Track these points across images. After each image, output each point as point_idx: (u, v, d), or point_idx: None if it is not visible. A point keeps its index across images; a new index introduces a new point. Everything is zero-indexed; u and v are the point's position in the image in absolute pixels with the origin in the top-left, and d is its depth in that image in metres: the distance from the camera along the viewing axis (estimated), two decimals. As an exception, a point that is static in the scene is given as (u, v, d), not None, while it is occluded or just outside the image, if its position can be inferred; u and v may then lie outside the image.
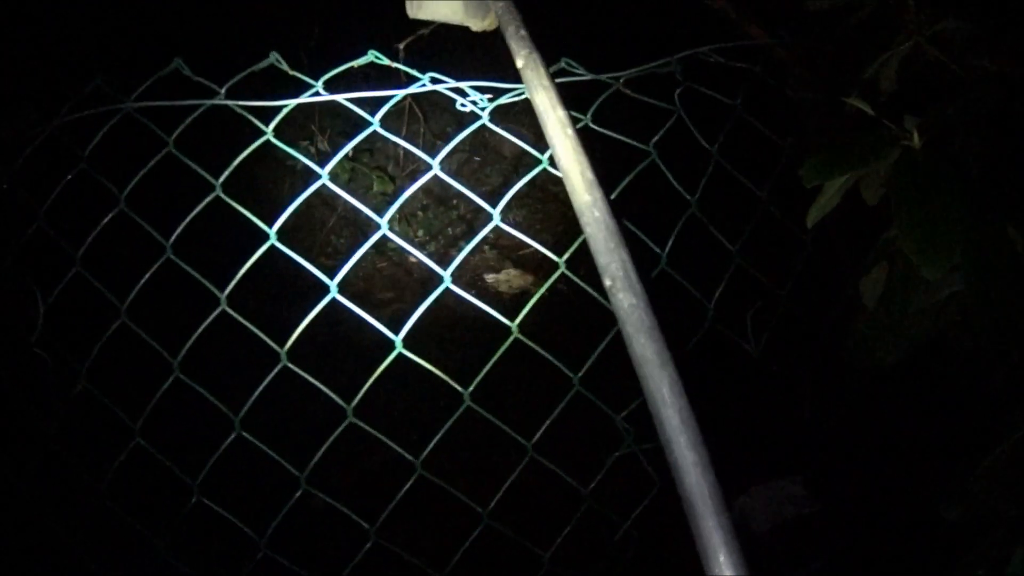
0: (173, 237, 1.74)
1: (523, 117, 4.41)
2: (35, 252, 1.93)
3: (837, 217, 1.91)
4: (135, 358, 1.90)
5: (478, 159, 5.45)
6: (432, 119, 5.15)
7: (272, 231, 1.67)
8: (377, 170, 5.27)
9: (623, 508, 1.78)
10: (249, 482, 2.09)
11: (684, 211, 1.95)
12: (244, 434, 1.70)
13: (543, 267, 4.81)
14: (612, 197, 1.54)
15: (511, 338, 1.65)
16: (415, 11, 1.89)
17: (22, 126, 1.98)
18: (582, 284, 1.73)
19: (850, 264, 2.05)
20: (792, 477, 1.94)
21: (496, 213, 1.70)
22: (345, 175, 5.06)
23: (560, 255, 1.74)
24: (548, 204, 5.24)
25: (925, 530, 1.74)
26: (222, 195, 1.72)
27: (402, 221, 5.11)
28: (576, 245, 1.64)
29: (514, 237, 4.80)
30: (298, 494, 1.67)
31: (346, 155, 5.19)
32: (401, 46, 3.74)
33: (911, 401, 1.97)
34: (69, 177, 1.92)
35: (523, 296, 4.63)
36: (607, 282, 1.42)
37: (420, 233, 5.08)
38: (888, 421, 2.02)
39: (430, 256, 4.72)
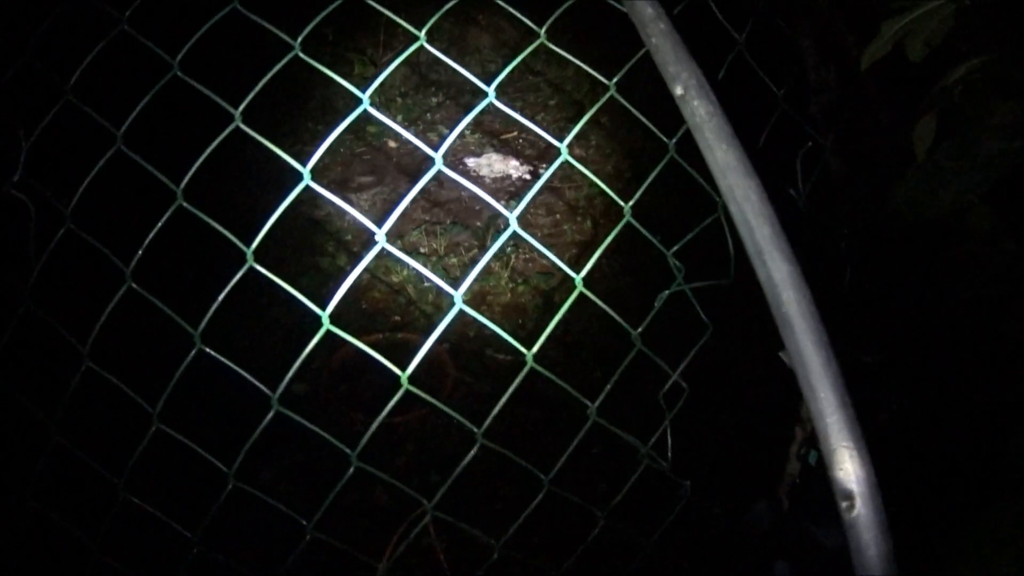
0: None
1: None
2: (18, 86, 1.74)
3: (886, 66, 1.88)
4: (128, 194, 1.73)
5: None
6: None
7: (237, 112, 1.48)
8: (356, 52, 5.10)
9: (673, 357, 1.66)
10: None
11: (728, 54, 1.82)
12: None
13: (524, 152, 4.69)
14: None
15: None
16: None
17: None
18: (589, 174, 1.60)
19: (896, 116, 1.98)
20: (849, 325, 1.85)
21: (491, 91, 1.53)
22: (326, 58, 4.88)
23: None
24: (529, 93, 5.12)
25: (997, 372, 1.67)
26: (180, 74, 1.51)
27: (382, 106, 4.94)
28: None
29: (495, 124, 4.65)
30: (271, 415, 1.51)
31: (327, 39, 5.00)
32: None
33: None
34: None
35: (505, 180, 4.49)
36: (678, 91, 1.30)
37: (399, 117, 4.90)
38: (931, 278, 1.94)
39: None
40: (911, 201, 1.74)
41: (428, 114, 4.95)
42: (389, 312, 3.58)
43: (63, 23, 1.77)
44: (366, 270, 1.45)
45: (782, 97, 1.89)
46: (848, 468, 1.10)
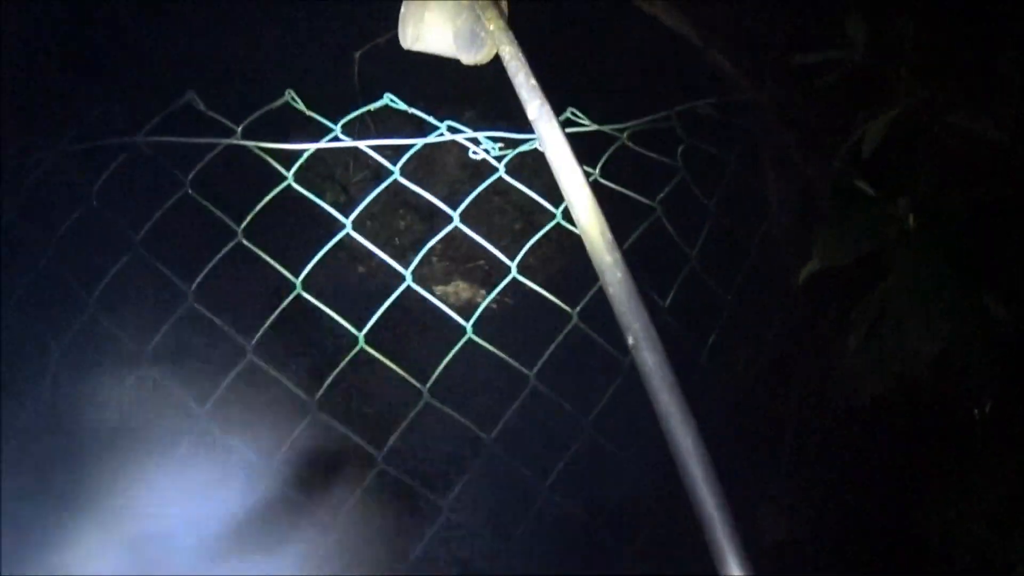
0: (195, 284, 1.76)
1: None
2: (46, 292, 1.92)
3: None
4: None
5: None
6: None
7: (298, 281, 1.73)
8: (328, 180, 5.29)
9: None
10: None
11: (677, 257, 2.04)
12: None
13: (490, 279, 4.89)
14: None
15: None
16: (410, 43, 1.94)
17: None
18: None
19: (834, 310, 2.13)
20: (778, 503, 2.05)
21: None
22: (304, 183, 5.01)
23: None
24: (494, 216, 5.30)
25: (905, 552, 1.86)
26: (245, 242, 1.76)
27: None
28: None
29: (462, 250, 4.83)
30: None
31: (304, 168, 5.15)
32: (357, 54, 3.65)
33: (887, 434, 2.08)
34: (76, 215, 1.90)
35: (470, 306, 4.69)
36: (631, 340, 1.49)
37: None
38: (866, 451, 2.12)
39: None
40: (849, 383, 1.90)
41: (396, 237, 5.13)
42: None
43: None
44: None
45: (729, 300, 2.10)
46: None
